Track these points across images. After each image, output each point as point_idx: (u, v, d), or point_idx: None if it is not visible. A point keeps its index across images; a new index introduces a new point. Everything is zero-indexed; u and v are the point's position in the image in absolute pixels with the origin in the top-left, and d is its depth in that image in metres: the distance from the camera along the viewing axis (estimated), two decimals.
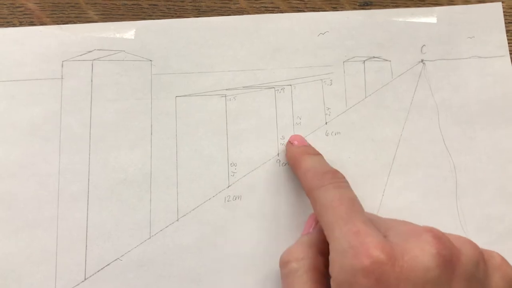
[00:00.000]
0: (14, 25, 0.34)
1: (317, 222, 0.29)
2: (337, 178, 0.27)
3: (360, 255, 0.22)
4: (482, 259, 0.23)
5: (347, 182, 0.27)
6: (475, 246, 0.24)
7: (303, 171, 0.29)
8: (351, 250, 0.22)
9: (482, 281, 0.23)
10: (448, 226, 0.32)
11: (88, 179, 0.32)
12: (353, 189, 0.32)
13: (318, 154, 0.31)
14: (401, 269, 0.21)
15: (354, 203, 0.25)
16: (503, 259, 0.25)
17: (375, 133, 0.33)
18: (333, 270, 0.23)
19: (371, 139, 0.33)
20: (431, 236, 0.23)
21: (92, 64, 0.33)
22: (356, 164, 0.33)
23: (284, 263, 0.27)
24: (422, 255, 0.22)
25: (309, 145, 0.32)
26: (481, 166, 0.33)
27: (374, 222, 0.25)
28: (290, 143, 0.32)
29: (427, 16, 0.35)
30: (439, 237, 0.22)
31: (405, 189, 0.32)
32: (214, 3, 0.36)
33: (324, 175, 0.27)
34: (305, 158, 0.30)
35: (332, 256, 0.23)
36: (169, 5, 0.35)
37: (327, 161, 0.32)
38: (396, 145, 0.33)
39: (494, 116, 0.33)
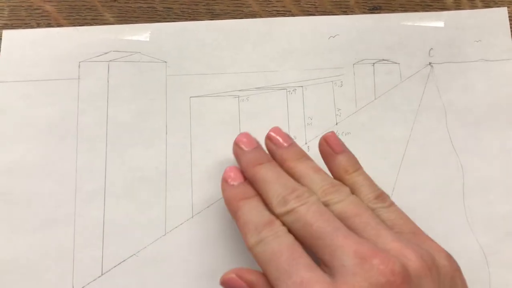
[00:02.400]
0: (32, 27, 0.35)
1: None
2: (276, 228, 0.25)
3: None
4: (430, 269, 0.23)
5: (283, 226, 0.25)
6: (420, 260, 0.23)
7: (241, 225, 0.26)
8: None
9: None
10: (456, 225, 0.32)
11: (105, 177, 0.32)
12: None
13: (255, 196, 0.27)
14: None
15: (293, 250, 0.24)
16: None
17: (384, 134, 0.34)
18: None
19: (380, 140, 0.34)
20: (377, 264, 0.22)
21: (108, 65, 0.34)
22: (366, 163, 0.33)
23: None
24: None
25: (244, 183, 0.28)
26: (488, 166, 0.33)
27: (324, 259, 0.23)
28: (225, 181, 0.28)
29: (435, 21, 0.36)
30: (387, 263, 0.22)
31: (413, 188, 0.33)
32: (227, 6, 0.36)
33: (261, 227, 0.25)
34: (240, 208, 0.26)
35: None
36: (183, 8, 0.36)
37: None
38: (405, 145, 0.34)
39: (501, 117, 0.34)
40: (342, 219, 0.25)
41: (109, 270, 0.31)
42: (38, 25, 0.35)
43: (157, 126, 0.33)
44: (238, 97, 0.34)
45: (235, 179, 0.28)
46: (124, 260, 0.31)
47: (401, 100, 0.35)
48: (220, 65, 0.35)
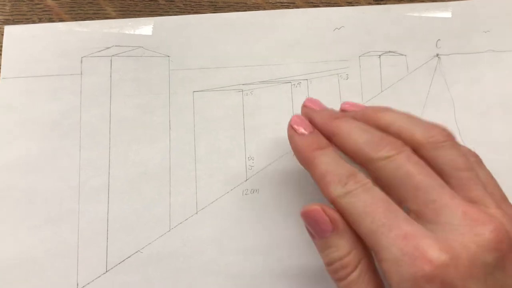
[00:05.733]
0: (33, 22, 0.35)
1: (332, 219, 0.25)
2: (362, 179, 0.24)
3: (417, 261, 0.20)
4: None
5: (369, 179, 0.24)
6: None
7: (319, 176, 0.25)
8: (406, 257, 0.21)
9: None
10: None
11: (109, 173, 0.32)
12: None
13: (329, 146, 0.26)
14: (464, 268, 0.20)
15: (389, 203, 0.23)
16: None
17: None
18: (392, 279, 0.21)
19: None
20: (489, 230, 0.21)
21: (111, 60, 0.34)
22: None
23: (339, 271, 0.24)
24: (482, 251, 0.21)
25: (317, 132, 0.27)
26: (497, 158, 0.33)
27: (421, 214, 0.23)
28: (292, 128, 0.27)
29: (442, 11, 0.35)
30: (498, 231, 0.21)
31: None
32: None
33: (346, 179, 0.24)
34: (317, 158, 0.25)
35: (385, 266, 0.22)
36: (185, 1, 0.36)
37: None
38: None
39: (510, 108, 0.34)
40: (443, 172, 0.24)
41: (114, 266, 0.31)
42: (40, 20, 0.35)
43: (161, 121, 0.33)
44: (242, 91, 0.34)
45: (306, 128, 0.27)
46: (128, 257, 0.31)
47: (408, 92, 0.34)
48: (224, 59, 0.34)
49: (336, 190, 0.24)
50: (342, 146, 0.26)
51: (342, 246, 0.24)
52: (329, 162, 0.25)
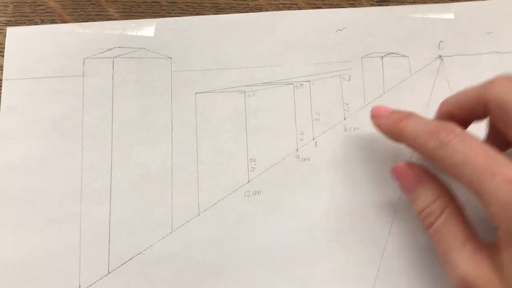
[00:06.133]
0: (36, 23, 0.35)
1: (418, 176, 0.28)
2: (455, 130, 0.25)
3: None
4: None
5: (463, 129, 0.25)
6: None
7: (412, 138, 0.26)
8: None
9: None
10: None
11: (111, 175, 0.32)
12: (371, 184, 0.32)
13: (411, 113, 0.28)
14: None
15: (487, 149, 0.23)
16: None
17: None
18: (501, 222, 0.22)
19: None
20: None
21: (113, 61, 0.34)
22: (375, 159, 0.33)
23: (427, 218, 0.26)
24: None
25: (396, 110, 0.29)
26: None
27: None
28: (376, 116, 0.30)
29: (444, 12, 0.35)
30: None
31: None
32: (233, 0, 0.36)
33: (437, 132, 0.25)
34: (405, 127, 0.27)
35: (493, 211, 0.22)
36: (187, 2, 0.36)
37: (343, 157, 0.33)
38: None
39: None
40: None
41: (116, 268, 0.31)
42: (42, 22, 0.35)
43: (163, 123, 0.33)
44: (244, 92, 0.34)
45: (386, 111, 0.30)
46: (130, 258, 0.31)
47: (411, 94, 0.34)
48: (226, 60, 0.34)
49: (430, 144, 0.25)
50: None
51: (428, 196, 0.27)
52: (417, 125, 0.27)
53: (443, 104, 0.30)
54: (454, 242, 0.25)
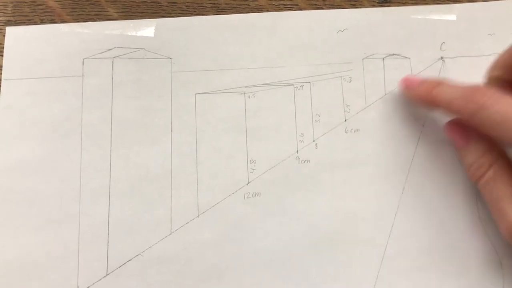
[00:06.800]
0: (35, 23, 0.35)
1: (467, 133, 0.29)
2: (487, 92, 0.26)
3: None
4: None
5: (495, 91, 0.26)
6: None
7: (447, 104, 0.28)
8: None
9: None
10: (468, 225, 0.32)
11: (110, 176, 0.32)
12: (372, 186, 0.32)
13: (442, 80, 0.29)
14: None
15: None
16: None
17: (395, 130, 0.33)
18: None
19: (390, 137, 0.33)
20: None
21: (112, 62, 0.34)
22: (376, 161, 0.33)
23: (477, 171, 0.28)
24: None
25: (425, 78, 0.31)
26: None
27: None
28: (407, 87, 0.32)
29: (446, 13, 0.35)
30: None
31: (424, 186, 0.32)
32: (233, 0, 0.36)
33: (473, 96, 0.26)
34: (438, 95, 0.28)
35: None
36: (188, 2, 0.36)
37: (345, 158, 0.32)
38: (416, 142, 0.33)
39: None
40: None
41: (114, 270, 0.30)
42: (42, 21, 0.35)
43: (162, 124, 0.33)
44: (245, 93, 0.34)
45: (415, 81, 0.31)
46: (129, 260, 0.31)
47: None
48: (226, 61, 0.34)
49: (468, 107, 0.26)
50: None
51: (476, 151, 0.28)
52: (449, 91, 0.28)
53: (491, 70, 0.30)
54: (505, 192, 0.26)
